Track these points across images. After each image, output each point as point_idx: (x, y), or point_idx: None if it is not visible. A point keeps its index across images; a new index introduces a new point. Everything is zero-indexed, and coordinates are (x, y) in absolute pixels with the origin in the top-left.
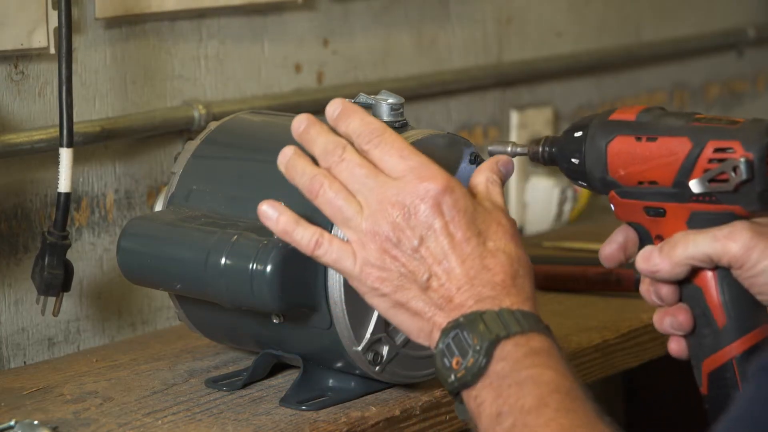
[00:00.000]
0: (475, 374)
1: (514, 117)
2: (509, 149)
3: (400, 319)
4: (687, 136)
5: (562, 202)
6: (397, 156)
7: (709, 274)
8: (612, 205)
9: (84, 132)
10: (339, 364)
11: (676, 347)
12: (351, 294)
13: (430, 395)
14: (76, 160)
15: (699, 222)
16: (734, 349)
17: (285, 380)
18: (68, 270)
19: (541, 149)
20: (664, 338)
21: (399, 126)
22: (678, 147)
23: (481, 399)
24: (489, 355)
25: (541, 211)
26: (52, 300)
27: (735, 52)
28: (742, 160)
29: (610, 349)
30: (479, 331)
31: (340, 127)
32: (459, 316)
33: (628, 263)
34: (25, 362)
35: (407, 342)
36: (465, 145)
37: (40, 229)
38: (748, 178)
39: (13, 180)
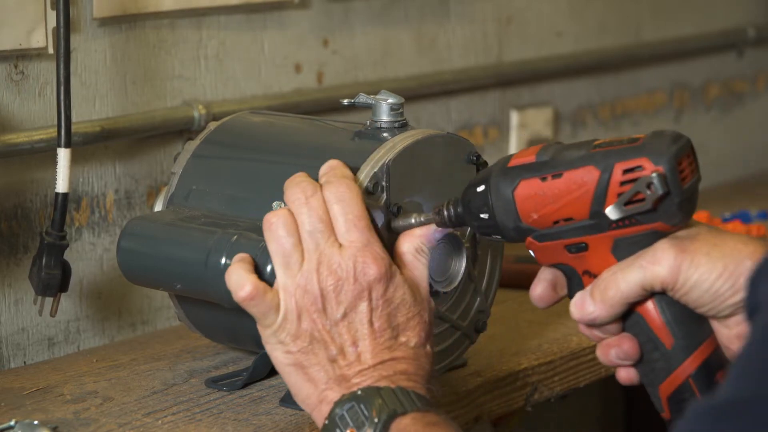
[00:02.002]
0: None
1: (514, 117)
2: (413, 221)
3: (293, 379)
4: (592, 164)
5: None
6: (351, 223)
7: (647, 300)
8: (531, 252)
9: (84, 132)
10: None
11: (626, 376)
12: None
13: (430, 395)
14: (76, 160)
15: (624, 247)
16: (687, 367)
17: None
18: (66, 270)
19: (446, 213)
20: None
21: (399, 126)
22: (586, 177)
23: None
24: (386, 427)
25: None
26: (49, 300)
27: (735, 52)
28: (654, 175)
29: None
30: (377, 405)
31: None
32: (356, 389)
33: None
34: (25, 362)
35: None
36: (465, 146)
37: (39, 229)
38: (665, 192)
39: (13, 180)
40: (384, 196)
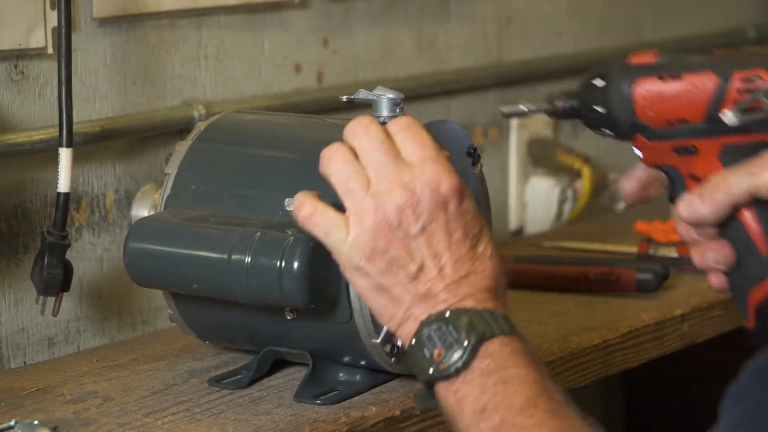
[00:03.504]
0: (459, 368)
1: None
2: (524, 108)
3: (375, 302)
4: (711, 69)
5: (562, 202)
6: (419, 144)
7: (749, 207)
8: (638, 150)
9: (84, 132)
10: (347, 358)
11: (717, 281)
12: None
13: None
14: (76, 160)
15: (731, 154)
16: None
17: (285, 380)
18: (68, 270)
19: (560, 104)
20: (664, 338)
21: None
22: (704, 81)
23: (463, 393)
24: (475, 350)
25: (541, 211)
26: (51, 300)
27: None
28: None
29: (610, 349)
30: (466, 326)
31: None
32: (444, 309)
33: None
34: (25, 362)
35: None
36: (461, 137)
37: (40, 229)
38: None
39: (13, 180)
40: None
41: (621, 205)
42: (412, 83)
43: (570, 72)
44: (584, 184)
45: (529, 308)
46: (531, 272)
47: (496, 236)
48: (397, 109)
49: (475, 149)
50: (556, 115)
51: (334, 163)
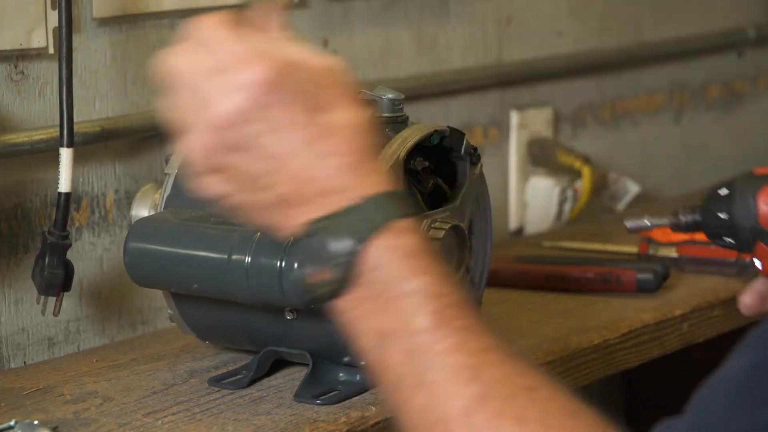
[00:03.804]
0: (343, 286)
1: (514, 117)
2: (647, 222)
3: (256, 220)
4: None
5: (562, 202)
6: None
7: None
8: (757, 261)
9: (84, 132)
10: (347, 358)
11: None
12: None
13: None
14: (76, 160)
15: None
16: None
17: (285, 380)
18: (68, 270)
19: (683, 218)
20: (664, 338)
21: (401, 121)
22: None
23: (355, 315)
24: (356, 262)
25: (541, 211)
26: (52, 300)
27: (735, 52)
28: None
29: (610, 349)
30: (340, 236)
31: None
32: (316, 217)
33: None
34: (25, 362)
35: None
36: (463, 140)
37: (40, 229)
38: None
39: (13, 180)
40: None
41: (621, 205)
42: (412, 83)
43: (570, 72)
44: (584, 184)
45: (529, 308)
46: (531, 272)
47: (497, 236)
48: (398, 109)
49: (475, 149)
50: (680, 228)
51: (171, 71)
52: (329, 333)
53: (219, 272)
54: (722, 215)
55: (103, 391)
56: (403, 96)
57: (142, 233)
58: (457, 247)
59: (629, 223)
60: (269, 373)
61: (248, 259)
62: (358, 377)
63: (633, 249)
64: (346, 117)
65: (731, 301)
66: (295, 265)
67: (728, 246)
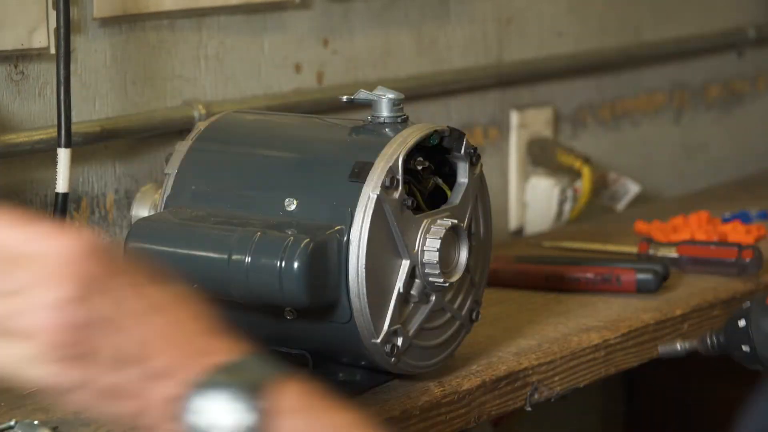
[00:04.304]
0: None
1: (514, 117)
2: (678, 348)
3: (123, 407)
4: None
5: (562, 202)
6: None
7: None
8: None
9: (84, 132)
10: (347, 358)
11: None
12: (371, 287)
13: (429, 395)
14: (76, 160)
15: None
16: None
17: None
18: None
19: (710, 342)
20: (664, 338)
21: (401, 121)
22: None
23: None
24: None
25: (541, 211)
26: None
27: (735, 52)
28: None
29: (610, 349)
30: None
31: None
32: (190, 383)
33: None
34: None
35: (418, 333)
36: (463, 140)
37: None
38: None
39: (13, 180)
40: (399, 189)
41: (621, 205)
42: (412, 83)
43: (570, 72)
44: (584, 184)
45: (529, 308)
46: (531, 272)
47: (497, 236)
48: (398, 109)
49: (474, 149)
50: (708, 352)
51: None
52: (329, 333)
53: (219, 272)
54: (745, 348)
55: None
56: (403, 96)
57: (141, 233)
58: (457, 246)
59: (662, 348)
60: None
61: (248, 259)
62: (358, 377)
63: (633, 249)
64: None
65: (731, 301)
66: (295, 264)
67: (758, 370)
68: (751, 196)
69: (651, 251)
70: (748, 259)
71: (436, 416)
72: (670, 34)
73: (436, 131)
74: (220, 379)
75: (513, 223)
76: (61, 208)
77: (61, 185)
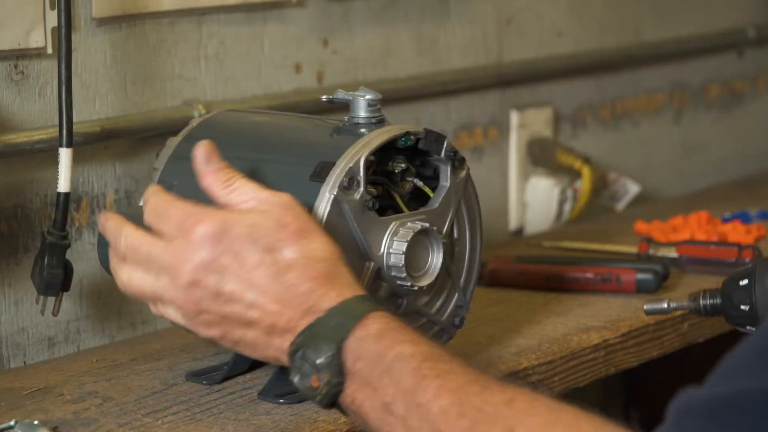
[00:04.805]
0: (338, 383)
1: (514, 117)
2: (665, 305)
3: (248, 352)
4: None
5: (562, 202)
6: (171, 224)
7: None
8: None
9: (84, 132)
10: None
11: None
12: None
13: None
14: (76, 160)
15: None
16: None
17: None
18: (68, 270)
19: (702, 302)
20: (664, 338)
21: (376, 122)
22: None
23: (359, 401)
24: (340, 361)
25: (541, 211)
26: (51, 300)
27: (735, 52)
28: None
29: (610, 349)
30: (318, 345)
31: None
32: (294, 338)
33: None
34: (25, 362)
35: None
36: (442, 142)
37: (40, 229)
38: None
39: (13, 180)
40: (360, 190)
41: (621, 205)
42: (412, 83)
43: (570, 72)
44: (584, 184)
45: (529, 308)
46: (531, 272)
47: (497, 236)
48: (374, 110)
49: (455, 153)
50: (699, 313)
51: (130, 286)
52: None
53: None
54: (744, 307)
55: (103, 391)
56: (380, 97)
57: None
58: (430, 250)
59: (648, 306)
60: (252, 367)
61: None
62: None
63: (633, 249)
64: (298, 252)
65: None
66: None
67: (751, 332)
68: (751, 196)
69: (651, 251)
70: (748, 259)
71: None
72: (670, 34)
73: (408, 133)
74: (310, 339)
75: (513, 223)
76: (62, 208)
77: (63, 185)
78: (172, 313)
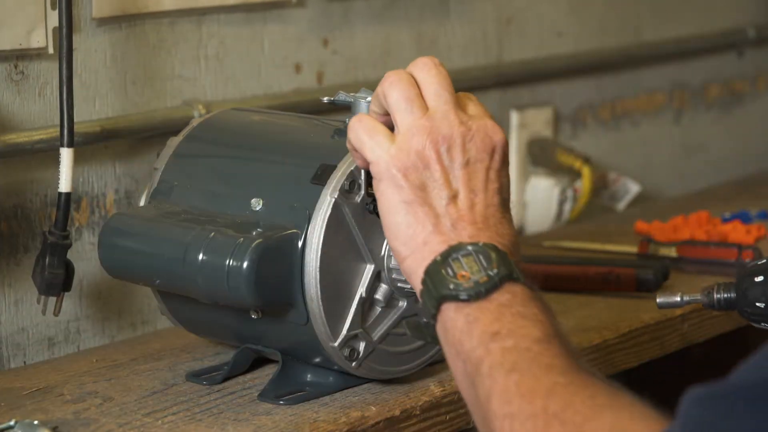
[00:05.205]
0: (482, 292)
1: (514, 117)
2: (678, 299)
3: (400, 217)
4: None
5: (562, 202)
6: (480, 107)
7: None
8: None
9: (84, 132)
10: (317, 359)
11: None
12: (327, 290)
13: (430, 395)
14: (77, 160)
15: None
16: None
17: None
18: (69, 270)
19: (716, 296)
20: (664, 338)
21: None
22: None
23: (476, 317)
24: (500, 283)
25: (541, 211)
26: (52, 300)
27: (735, 52)
28: None
29: (610, 349)
30: (496, 260)
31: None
32: (476, 241)
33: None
34: (25, 362)
35: (384, 338)
36: None
37: (40, 229)
38: None
39: (13, 180)
40: (361, 193)
41: (621, 205)
42: None
43: (570, 72)
44: (584, 184)
45: None
46: (531, 272)
47: None
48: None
49: None
50: (713, 306)
51: (397, 83)
52: (291, 334)
53: (176, 269)
54: (760, 304)
55: (103, 391)
56: None
57: (113, 228)
58: None
59: (661, 300)
60: (251, 368)
61: (201, 257)
62: (330, 378)
63: (633, 249)
64: (513, 225)
65: None
66: (243, 265)
67: (766, 329)
68: (751, 196)
69: (651, 251)
70: (748, 260)
71: (436, 416)
72: (670, 34)
73: None
74: (489, 253)
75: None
76: (63, 207)
77: (64, 185)
78: (384, 129)
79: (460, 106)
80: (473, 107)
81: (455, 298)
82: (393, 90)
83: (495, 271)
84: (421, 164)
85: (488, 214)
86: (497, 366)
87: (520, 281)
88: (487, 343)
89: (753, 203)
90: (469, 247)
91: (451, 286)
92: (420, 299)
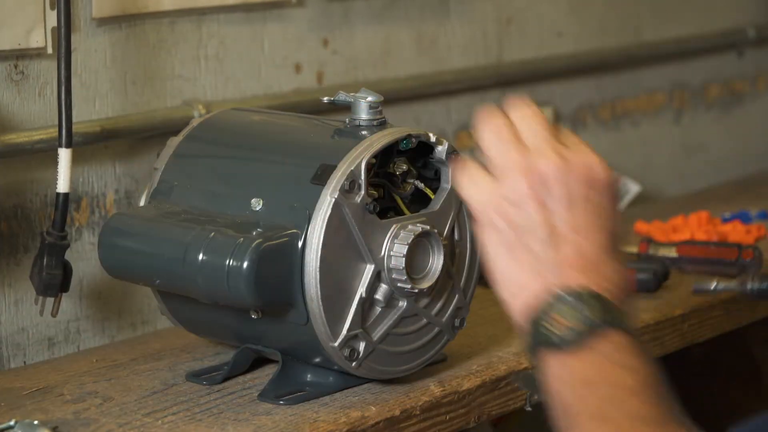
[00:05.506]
0: (578, 340)
1: None
2: (712, 287)
3: (503, 262)
4: None
5: None
6: (581, 143)
7: None
8: None
9: (84, 132)
10: (317, 359)
11: None
12: (327, 290)
13: (430, 395)
14: (76, 160)
15: None
16: None
17: None
18: (67, 270)
19: (750, 286)
20: (664, 338)
21: (377, 124)
22: None
23: (570, 364)
24: (599, 330)
25: None
26: (50, 300)
27: (735, 52)
28: None
29: None
30: (596, 308)
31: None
32: (580, 287)
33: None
34: (25, 362)
35: (384, 338)
36: (441, 143)
37: (40, 229)
38: None
39: (13, 180)
40: (361, 193)
41: (621, 205)
42: (412, 83)
43: (570, 72)
44: None
45: None
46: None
47: None
48: (376, 112)
49: (457, 155)
50: (746, 296)
51: (492, 122)
52: (291, 334)
53: (176, 269)
54: None
55: (103, 391)
56: (381, 98)
57: (113, 228)
58: (431, 252)
59: (696, 286)
60: (252, 368)
61: (201, 258)
62: (331, 378)
63: (633, 249)
64: (623, 264)
65: (731, 301)
66: (243, 265)
67: None
68: (751, 196)
69: (651, 251)
70: (748, 259)
71: (436, 416)
72: (670, 34)
73: (410, 135)
74: (590, 301)
75: None
76: (61, 208)
77: (62, 185)
78: (484, 174)
79: (559, 141)
80: (574, 143)
81: (552, 345)
82: (486, 129)
83: (594, 319)
84: (517, 204)
85: (592, 256)
86: (585, 414)
87: (621, 327)
88: (579, 390)
89: (753, 203)
90: (569, 296)
91: (549, 334)
92: (523, 341)
